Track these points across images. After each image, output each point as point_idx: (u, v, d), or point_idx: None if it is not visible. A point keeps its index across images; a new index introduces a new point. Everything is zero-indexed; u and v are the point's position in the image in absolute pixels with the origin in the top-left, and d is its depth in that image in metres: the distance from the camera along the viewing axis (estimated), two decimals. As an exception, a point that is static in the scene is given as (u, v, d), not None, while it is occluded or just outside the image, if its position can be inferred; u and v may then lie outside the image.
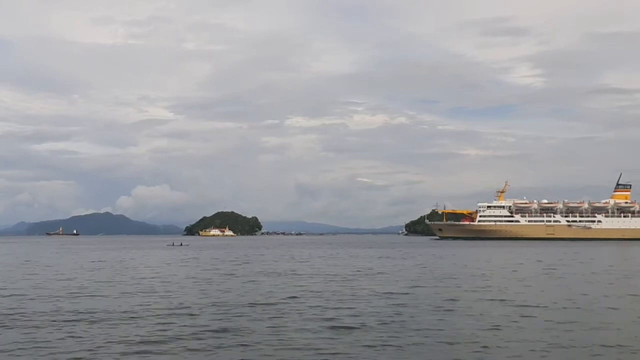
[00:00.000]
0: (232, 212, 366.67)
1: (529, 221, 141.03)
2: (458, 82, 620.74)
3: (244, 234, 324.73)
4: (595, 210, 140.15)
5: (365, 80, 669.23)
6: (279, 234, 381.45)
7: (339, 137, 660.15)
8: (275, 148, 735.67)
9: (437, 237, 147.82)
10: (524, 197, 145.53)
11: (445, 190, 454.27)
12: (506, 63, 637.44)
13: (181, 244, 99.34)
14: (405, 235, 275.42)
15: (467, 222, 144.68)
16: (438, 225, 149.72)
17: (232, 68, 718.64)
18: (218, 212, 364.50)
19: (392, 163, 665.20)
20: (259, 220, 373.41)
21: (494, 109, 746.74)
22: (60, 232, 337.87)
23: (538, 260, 47.03)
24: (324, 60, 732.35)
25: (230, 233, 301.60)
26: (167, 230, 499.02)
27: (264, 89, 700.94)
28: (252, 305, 19.10)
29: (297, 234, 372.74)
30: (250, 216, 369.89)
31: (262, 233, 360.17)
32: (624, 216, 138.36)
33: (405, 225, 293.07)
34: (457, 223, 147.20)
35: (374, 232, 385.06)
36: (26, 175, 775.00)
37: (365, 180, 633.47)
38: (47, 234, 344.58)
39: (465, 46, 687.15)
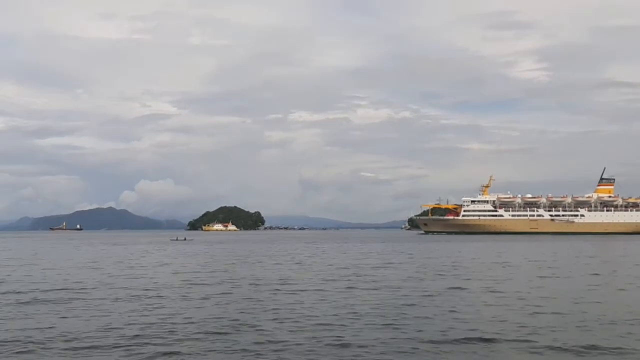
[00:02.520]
0: (235, 206, 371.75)
1: (512, 215, 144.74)
2: (462, 76, 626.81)
3: (246, 229, 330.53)
4: (579, 205, 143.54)
5: (369, 75, 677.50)
6: (281, 228, 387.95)
7: (343, 131, 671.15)
8: (278, 143, 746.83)
9: (423, 232, 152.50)
10: (509, 192, 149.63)
11: (449, 185, 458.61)
12: (511, 57, 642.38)
13: (185, 239, 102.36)
14: (408, 229, 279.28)
15: (452, 217, 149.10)
16: (423, 220, 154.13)
17: (236, 63, 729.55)
18: (221, 207, 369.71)
19: (396, 157, 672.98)
20: (262, 215, 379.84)
21: (498, 103, 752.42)
22: (64, 227, 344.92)
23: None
24: (328, 55, 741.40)
25: (233, 228, 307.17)
26: (170, 225, 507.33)
27: (267, 84, 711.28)
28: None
29: (299, 229, 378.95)
30: (253, 211, 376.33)
31: (265, 228, 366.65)
32: (607, 210, 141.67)
33: (408, 219, 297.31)
34: (441, 218, 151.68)
35: (378, 227, 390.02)
36: (30, 170, 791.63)
37: (369, 174, 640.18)
38: (51, 229, 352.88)
39: (469, 40, 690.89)
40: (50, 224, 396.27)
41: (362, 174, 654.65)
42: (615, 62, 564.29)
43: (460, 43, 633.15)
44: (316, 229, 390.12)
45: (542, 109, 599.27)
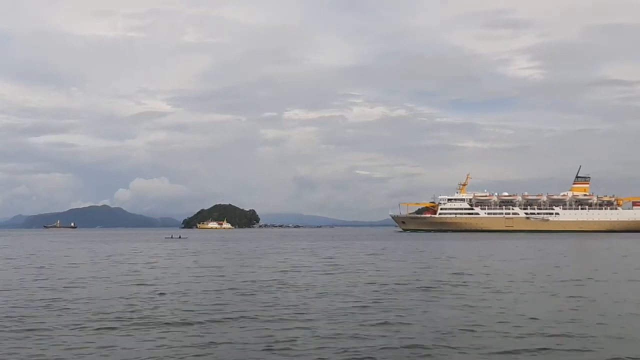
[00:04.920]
0: (230, 204, 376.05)
1: (488, 213, 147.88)
2: (457, 74, 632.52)
3: (241, 227, 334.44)
4: (554, 203, 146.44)
5: (365, 73, 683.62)
6: (276, 226, 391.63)
7: (338, 129, 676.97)
8: (274, 140, 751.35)
9: (401, 230, 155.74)
10: (485, 190, 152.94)
11: (444, 183, 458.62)
12: (506, 55, 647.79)
13: (180, 237, 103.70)
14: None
15: (429, 215, 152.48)
16: (401, 218, 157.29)
17: (232, 60, 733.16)
18: (216, 205, 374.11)
19: (391, 155, 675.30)
20: (257, 213, 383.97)
21: (493, 102, 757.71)
22: (58, 225, 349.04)
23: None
24: (323, 53, 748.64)
25: (228, 226, 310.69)
26: (165, 223, 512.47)
27: (263, 82, 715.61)
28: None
29: (294, 227, 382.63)
30: (248, 209, 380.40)
31: (260, 226, 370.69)
32: (582, 208, 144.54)
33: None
34: (419, 215, 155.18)
35: (372, 225, 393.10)
36: (24, 168, 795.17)
37: (364, 172, 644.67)
38: (45, 226, 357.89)
39: (465, 38, 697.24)
40: (45, 221, 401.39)
41: (357, 172, 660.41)
42: (609, 60, 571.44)
43: (455, 42, 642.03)
44: (311, 226, 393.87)
45: (536, 108, 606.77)
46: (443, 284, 24.98)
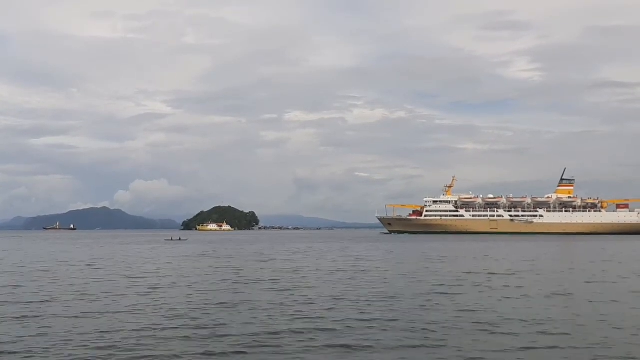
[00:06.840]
0: (230, 206, 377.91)
1: (473, 216, 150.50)
2: (457, 76, 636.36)
3: (241, 229, 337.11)
4: (538, 205, 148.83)
5: (364, 75, 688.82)
6: (275, 228, 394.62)
7: (338, 131, 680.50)
8: (273, 142, 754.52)
9: (387, 232, 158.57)
10: (470, 192, 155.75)
11: (443, 185, 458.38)
12: (505, 57, 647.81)
13: (180, 239, 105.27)
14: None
15: (415, 217, 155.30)
16: (387, 220, 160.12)
17: (231, 62, 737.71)
18: (215, 207, 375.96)
19: (390, 157, 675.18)
20: (257, 215, 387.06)
21: (492, 103, 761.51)
22: (57, 227, 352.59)
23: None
24: (323, 54, 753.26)
25: (228, 228, 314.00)
26: (164, 224, 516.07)
27: (262, 83, 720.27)
28: None
29: (294, 229, 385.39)
30: (247, 211, 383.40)
31: (260, 228, 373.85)
32: (566, 211, 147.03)
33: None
34: (405, 218, 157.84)
35: (372, 227, 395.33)
36: (23, 169, 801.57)
37: (364, 174, 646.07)
38: (44, 228, 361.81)
39: (464, 40, 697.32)
40: (44, 223, 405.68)
41: (357, 173, 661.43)
42: (609, 62, 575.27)
43: (455, 43, 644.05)
44: (310, 228, 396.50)
45: (536, 110, 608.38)
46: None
